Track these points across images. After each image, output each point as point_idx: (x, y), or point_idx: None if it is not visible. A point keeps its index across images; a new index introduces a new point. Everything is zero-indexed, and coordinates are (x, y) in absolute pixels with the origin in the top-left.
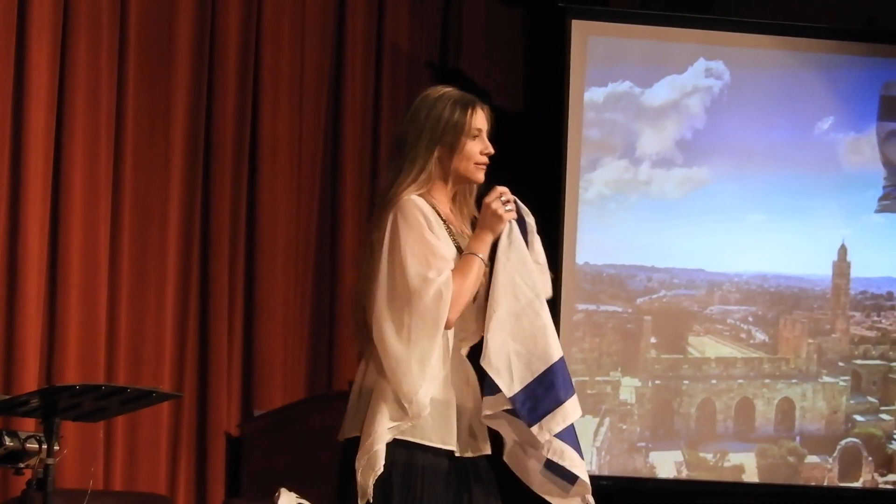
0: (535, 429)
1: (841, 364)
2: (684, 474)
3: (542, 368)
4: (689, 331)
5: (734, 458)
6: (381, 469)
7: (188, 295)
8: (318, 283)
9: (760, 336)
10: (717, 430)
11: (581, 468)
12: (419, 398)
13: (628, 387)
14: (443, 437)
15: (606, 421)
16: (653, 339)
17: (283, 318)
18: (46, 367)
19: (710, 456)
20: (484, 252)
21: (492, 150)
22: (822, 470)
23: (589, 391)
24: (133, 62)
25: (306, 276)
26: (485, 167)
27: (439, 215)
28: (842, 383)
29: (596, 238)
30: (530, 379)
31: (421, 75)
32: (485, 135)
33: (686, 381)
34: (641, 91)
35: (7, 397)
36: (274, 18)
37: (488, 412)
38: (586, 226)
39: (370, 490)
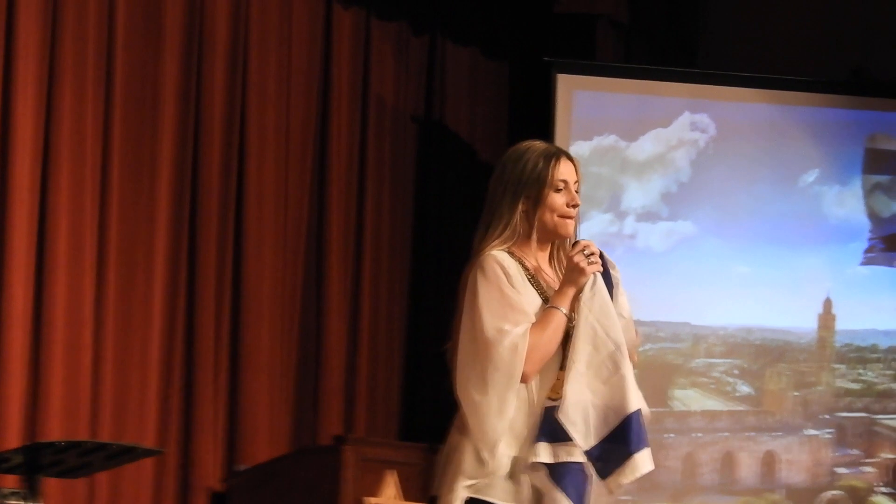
0: (608, 482)
1: (825, 416)
2: None
3: (617, 422)
4: (674, 384)
5: None
6: None
7: (173, 349)
8: (303, 337)
9: (745, 389)
10: (702, 483)
11: None
12: (499, 451)
13: None
14: (515, 496)
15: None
16: None
17: (268, 371)
18: (30, 422)
19: None
20: (565, 305)
21: (578, 202)
22: None
23: None
24: (118, 115)
25: (292, 330)
26: (572, 220)
27: (527, 269)
28: (826, 436)
29: None
30: (606, 432)
31: (406, 128)
32: (572, 187)
33: (670, 435)
34: (627, 145)
35: None
36: (259, 72)
37: (547, 460)
38: None
39: None
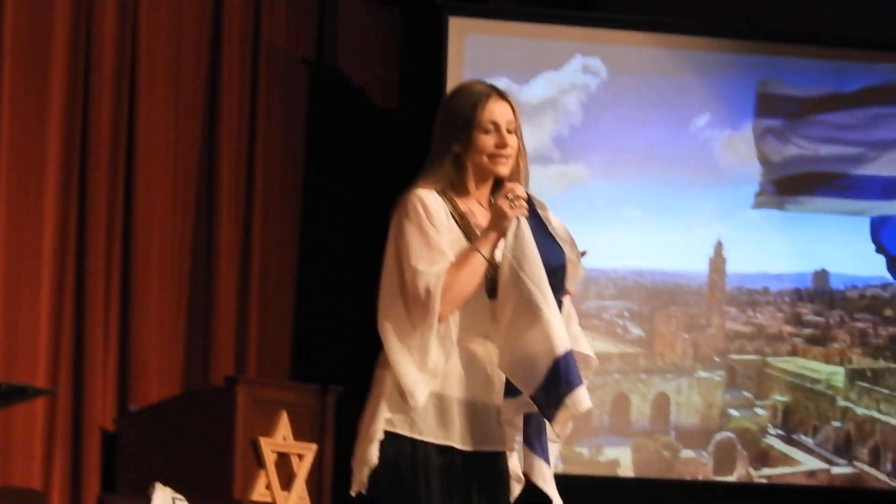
0: (555, 426)
1: (716, 359)
2: (559, 469)
3: (546, 368)
4: None
5: (609, 453)
6: (375, 461)
7: (63, 291)
8: (193, 279)
9: (636, 331)
10: (593, 425)
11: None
12: (413, 385)
13: None
14: (441, 432)
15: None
16: None
17: (158, 312)
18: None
19: (585, 451)
20: (485, 248)
21: (508, 143)
22: (696, 464)
23: None
24: (8, 61)
25: (182, 272)
26: (504, 160)
27: (457, 211)
28: (717, 378)
29: None
30: (541, 379)
31: (299, 74)
32: (503, 127)
33: None
34: (519, 88)
35: None
36: (149, 15)
37: (512, 415)
38: None
39: (364, 482)
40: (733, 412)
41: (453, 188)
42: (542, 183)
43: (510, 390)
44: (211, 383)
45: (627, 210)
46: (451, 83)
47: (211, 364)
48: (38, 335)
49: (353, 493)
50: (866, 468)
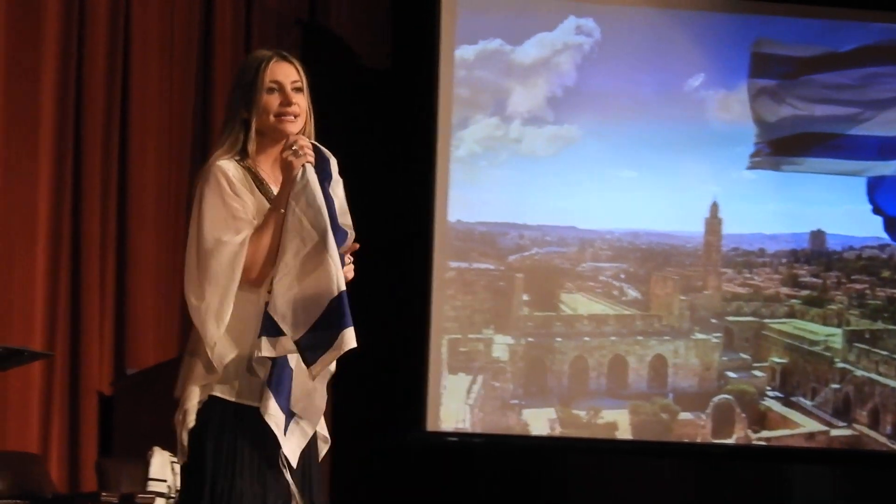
0: (312, 368)
1: (713, 321)
2: (557, 431)
3: (323, 307)
4: (562, 288)
5: (607, 416)
6: (193, 424)
7: (59, 253)
8: None
9: (632, 293)
10: (590, 388)
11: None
12: (217, 351)
13: (501, 344)
14: (255, 394)
15: (479, 379)
16: (525, 297)
17: (154, 275)
18: None
19: (583, 413)
20: (282, 205)
21: (292, 101)
22: (694, 426)
23: (461, 349)
24: (1, 21)
25: (177, 233)
26: (290, 119)
27: (256, 177)
28: (714, 340)
29: (467, 196)
30: (314, 319)
31: (290, 33)
32: (288, 87)
33: (558, 339)
34: (512, 49)
35: None
36: None
37: (269, 354)
38: (457, 184)
39: (186, 445)
40: (731, 374)
41: (249, 155)
42: (536, 144)
43: (267, 330)
44: None
45: (622, 171)
46: (444, 43)
47: None
48: (34, 298)
49: (179, 463)
50: (865, 430)
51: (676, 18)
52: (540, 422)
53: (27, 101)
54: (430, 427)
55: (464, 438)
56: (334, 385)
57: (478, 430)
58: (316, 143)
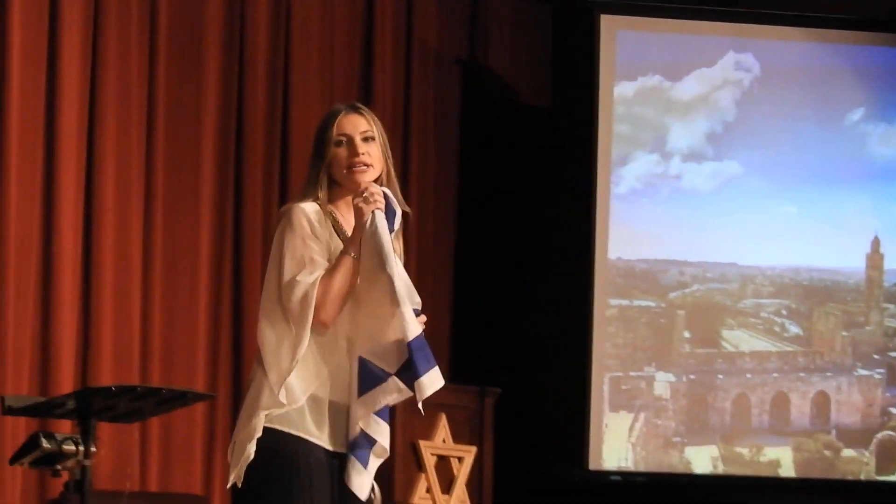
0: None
1: (876, 357)
2: (720, 469)
3: (404, 352)
4: (723, 325)
5: (770, 453)
6: (251, 455)
7: (221, 294)
8: None
9: (794, 329)
10: (753, 425)
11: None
12: (289, 386)
13: (662, 382)
14: (316, 431)
15: (641, 416)
16: (686, 334)
17: None
18: (81, 368)
19: (745, 451)
20: (354, 249)
21: (359, 153)
22: (858, 463)
23: (623, 386)
24: (163, 61)
25: None
26: (361, 168)
27: (337, 222)
28: (877, 376)
29: (628, 233)
30: (401, 363)
31: (450, 72)
32: (357, 139)
33: (720, 376)
34: (671, 85)
35: (43, 399)
36: (302, 16)
37: (363, 413)
38: (618, 221)
39: (241, 475)
40: (894, 411)
41: (334, 202)
42: (696, 180)
43: (362, 387)
44: None
45: (782, 206)
46: (603, 80)
47: None
48: (197, 339)
49: (227, 486)
50: None
51: (835, 52)
52: (702, 459)
53: (189, 144)
54: (593, 465)
55: (626, 477)
56: (496, 423)
57: (640, 468)
58: (387, 191)
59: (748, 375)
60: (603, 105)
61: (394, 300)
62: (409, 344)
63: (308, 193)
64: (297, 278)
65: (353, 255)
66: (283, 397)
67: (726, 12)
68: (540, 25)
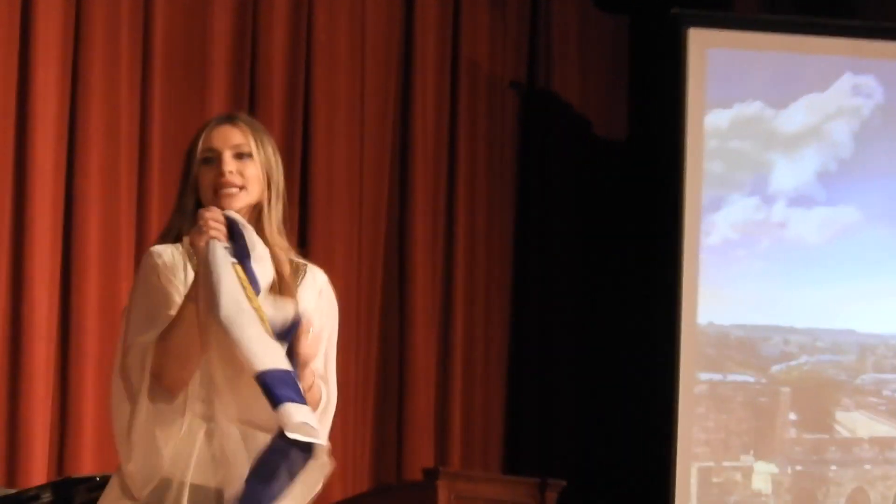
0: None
1: None
2: None
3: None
4: (837, 405)
5: None
6: None
7: None
8: (384, 351)
9: None
10: None
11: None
12: (130, 473)
13: (763, 473)
14: None
15: None
16: (792, 416)
17: (342, 392)
18: (58, 452)
19: None
20: (194, 294)
21: (225, 172)
22: None
23: (714, 479)
24: (158, 85)
25: (370, 342)
26: (231, 192)
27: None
28: None
29: (721, 293)
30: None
31: (505, 97)
32: (226, 155)
33: (833, 467)
34: (774, 113)
35: (13, 491)
36: (327, 33)
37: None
38: (709, 278)
39: None
40: None
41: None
42: (805, 229)
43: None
44: (405, 476)
45: None
46: (692, 107)
47: (405, 453)
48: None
49: None
50: None
51: None
52: None
53: None
54: None
55: None
56: None
57: None
58: (230, 212)
59: (867, 466)
60: (691, 138)
61: (231, 335)
62: (257, 376)
63: (171, 229)
64: (138, 339)
65: (195, 299)
66: (133, 487)
67: (843, 26)
68: (614, 42)
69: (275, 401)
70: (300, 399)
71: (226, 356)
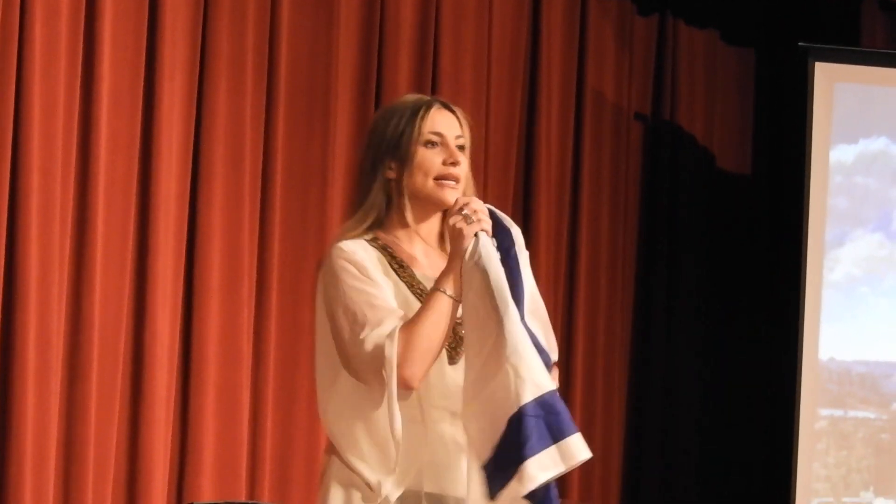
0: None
1: None
2: None
3: (504, 424)
4: None
5: None
6: None
7: None
8: None
9: None
10: None
11: None
12: (385, 483)
13: None
14: None
15: None
16: None
17: None
18: (177, 480)
19: None
20: (449, 285)
21: (459, 160)
22: None
23: None
24: (282, 117)
25: None
26: (451, 185)
27: (394, 258)
28: None
29: (844, 329)
30: (497, 439)
31: (629, 129)
32: (451, 142)
33: None
34: None
35: None
36: (453, 64)
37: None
38: (832, 314)
39: None
40: None
41: (387, 229)
42: None
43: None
44: None
45: None
46: (818, 142)
47: None
48: (315, 446)
49: None
50: None
51: None
52: None
53: (311, 212)
54: None
55: None
56: None
57: None
58: (493, 207)
59: None
60: (816, 173)
61: (501, 349)
62: (519, 409)
63: (365, 219)
64: (363, 336)
65: (448, 292)
66: (377, 495)
67: None
68: (740, 75)
69: (523, 453)
70: (545, 440)
71: (487, 361)
